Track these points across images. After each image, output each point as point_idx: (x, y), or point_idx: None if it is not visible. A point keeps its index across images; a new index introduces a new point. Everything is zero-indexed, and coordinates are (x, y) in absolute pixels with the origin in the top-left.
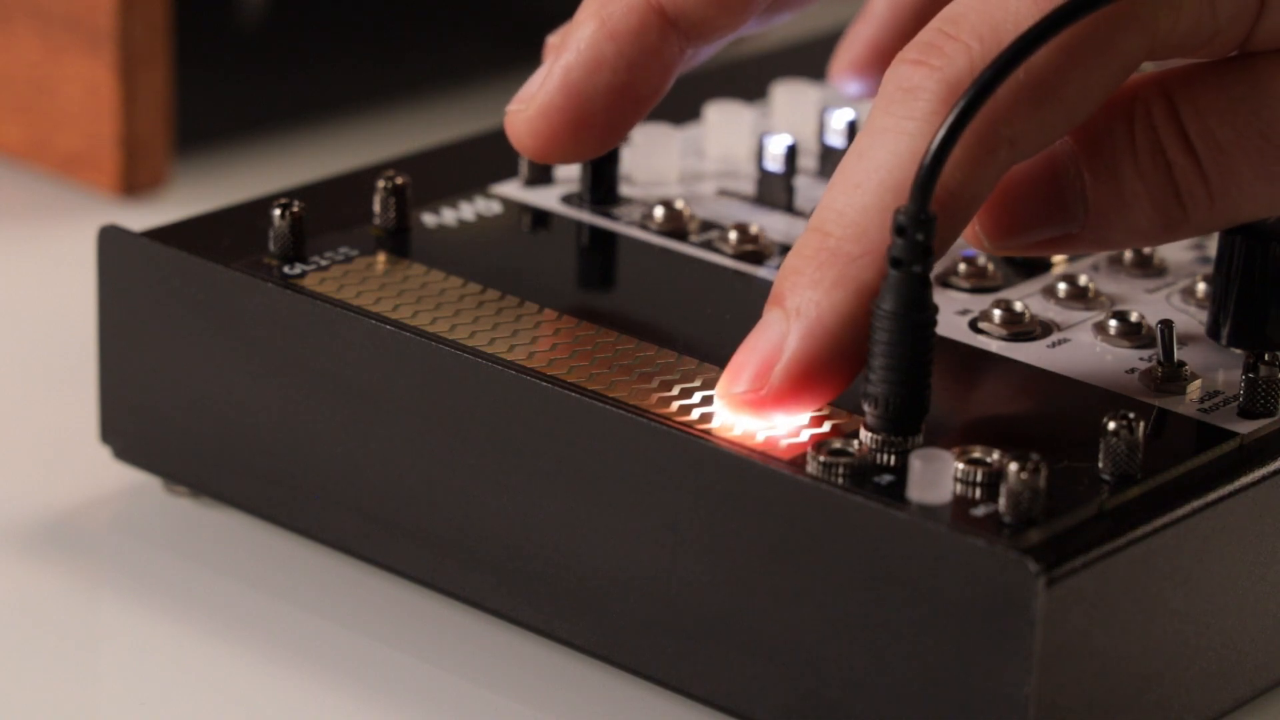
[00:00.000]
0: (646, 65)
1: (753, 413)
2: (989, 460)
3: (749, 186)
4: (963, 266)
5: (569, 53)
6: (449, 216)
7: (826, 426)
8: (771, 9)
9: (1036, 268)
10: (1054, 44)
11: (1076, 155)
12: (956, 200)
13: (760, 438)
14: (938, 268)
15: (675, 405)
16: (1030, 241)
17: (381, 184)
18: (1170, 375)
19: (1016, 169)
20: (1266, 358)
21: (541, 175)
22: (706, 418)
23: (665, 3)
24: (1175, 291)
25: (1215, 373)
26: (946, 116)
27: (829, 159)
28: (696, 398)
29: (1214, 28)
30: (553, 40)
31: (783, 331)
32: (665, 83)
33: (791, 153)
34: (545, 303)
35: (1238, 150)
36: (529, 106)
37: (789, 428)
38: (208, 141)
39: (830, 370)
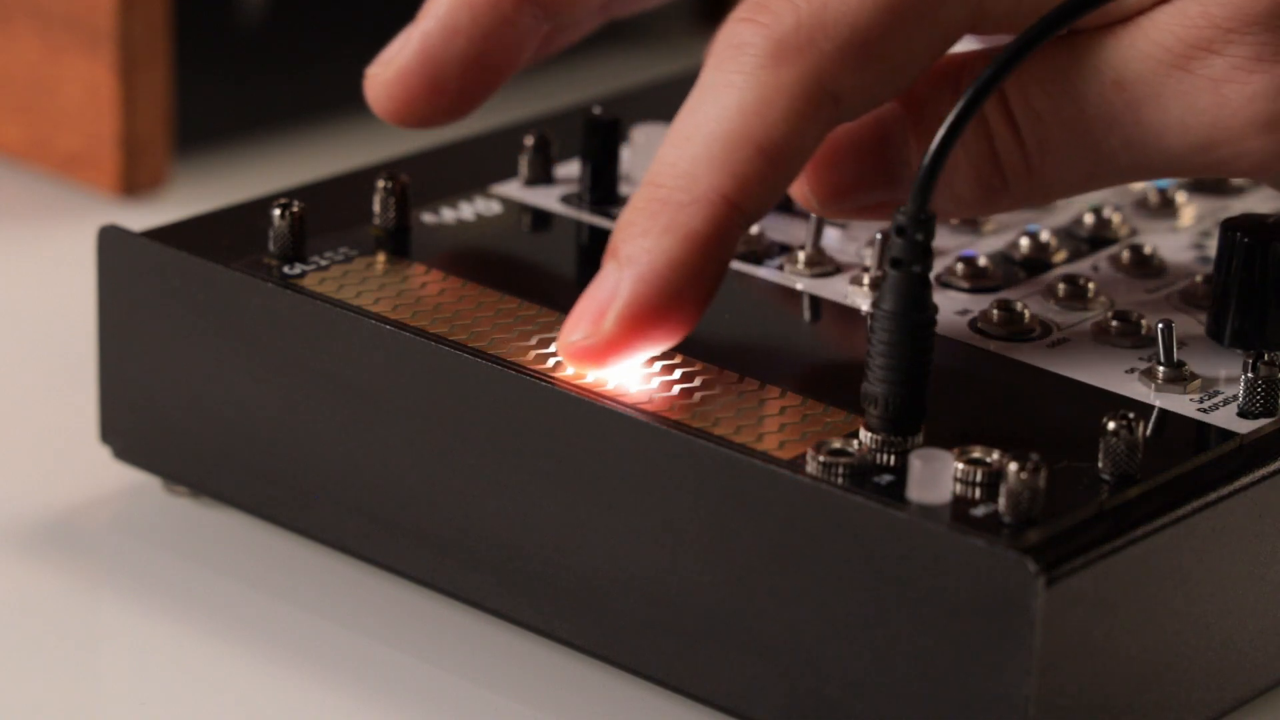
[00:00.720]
0: (501, 35)
1: (590, 361)
2: (989, 460)
3: None
4: (962, 267)
5: (427, 20)
6: (449, 216)
7: (690, 379)
8: None
9: (1036, 268)
10: (881, 6)
11: (904, 122)
12: (781, 152)
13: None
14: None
15: (675, 405)
16: (858, 205)
17: (381, 184)
18: (1170, 375)
19: (845, 133)
20: (1266, 358)
21: (541, 175)
22: (706, 417)
23: None
24: (1175, 291)
25: (1215, 373)
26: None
27: None
28: (696, 398)
29: (1036, 6)
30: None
31: (616, 280)
32: (521, 55)
33: None
34: (545, 303)
35: (1054, 121)
36: (387, 70)
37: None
38: (208, 141)
39: (663, 315)
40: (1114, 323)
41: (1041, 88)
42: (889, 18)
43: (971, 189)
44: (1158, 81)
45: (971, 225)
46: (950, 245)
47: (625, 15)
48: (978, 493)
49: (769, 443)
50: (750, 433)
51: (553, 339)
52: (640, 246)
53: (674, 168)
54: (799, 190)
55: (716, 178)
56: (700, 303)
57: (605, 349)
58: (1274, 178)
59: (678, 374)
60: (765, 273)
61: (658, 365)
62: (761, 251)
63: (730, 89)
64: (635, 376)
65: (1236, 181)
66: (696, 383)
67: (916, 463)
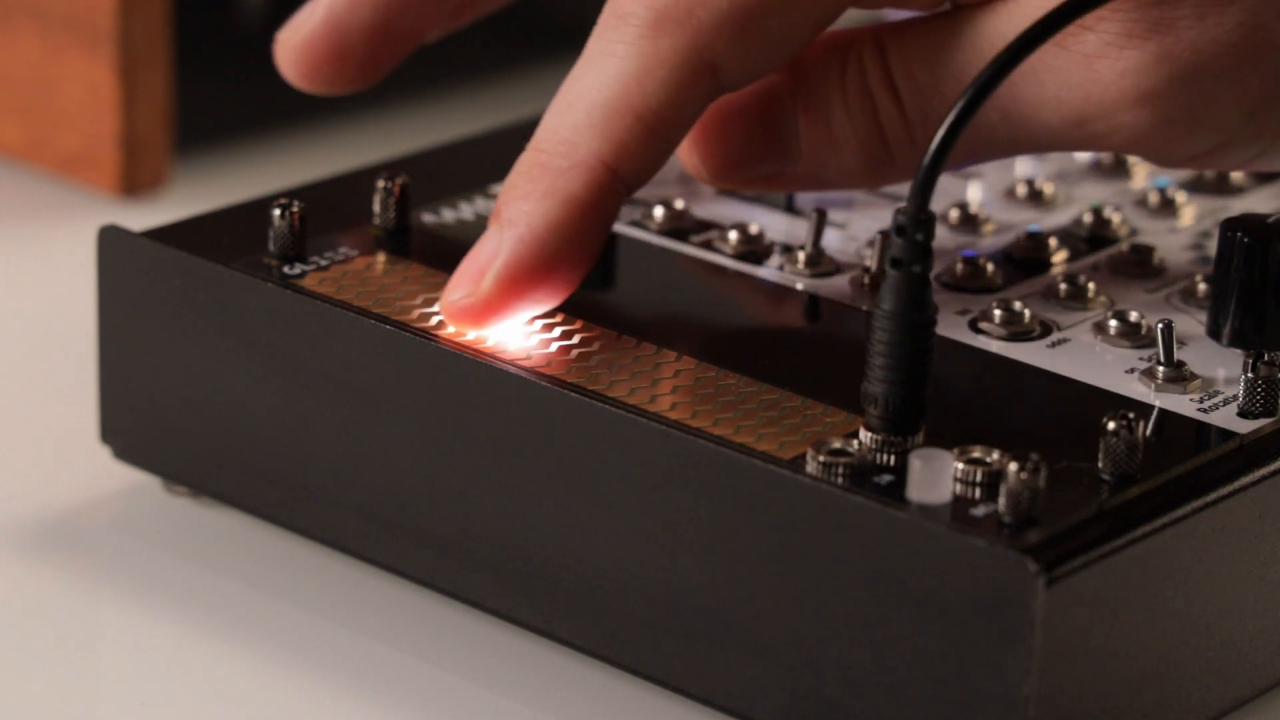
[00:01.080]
0: (403, 6)
1: (469, 320)
2: (989, 460)
3: None
4: (962, 267)
5: None
6: (449, 216)
7: (690, 380)
8: None
9: (1036, 268)
10: None
11: (793, 94)
12: (660, 120)
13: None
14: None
15: (675, 405)
16: (748, 176)
17: (381, 184)
18: (1170, 375)
19: (733, 104)
20: (1266, 358)
21: None
22: (707, 417)
23: None
24: (1175, 291)
25: (1215, 373)
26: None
27: None
28: (696, 397)
29: None
30: None
31: (497, 242)
32: (423, 26)
33: None
34: None
35: (936, 94)
36: (295, 35)
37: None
38: (208, 141)
39: (540, 276)
40: (1114, 323)
41: (924, 62)
42: None
43: (859, 162)
44: (1033, 57)
45: (971, 225)
46: (950, 245)
47: None
48: (978, 493)
49: (769, 443)
50: (750, 433)
51: (553, 338)
52: (520, 210)
53: (555, 134)
54: (689, 161)
55: (596, 144)
56: (579, 265)
57: (484, 309)
58: (1153, 154)
59: (677, 374)
60: (765, 273)
61: (658, 365)
62: (761, 251)
63: (611, 58)
64: (637, 376)
65: (1236, 181)
66: (696, 382)
67: (916, 463)
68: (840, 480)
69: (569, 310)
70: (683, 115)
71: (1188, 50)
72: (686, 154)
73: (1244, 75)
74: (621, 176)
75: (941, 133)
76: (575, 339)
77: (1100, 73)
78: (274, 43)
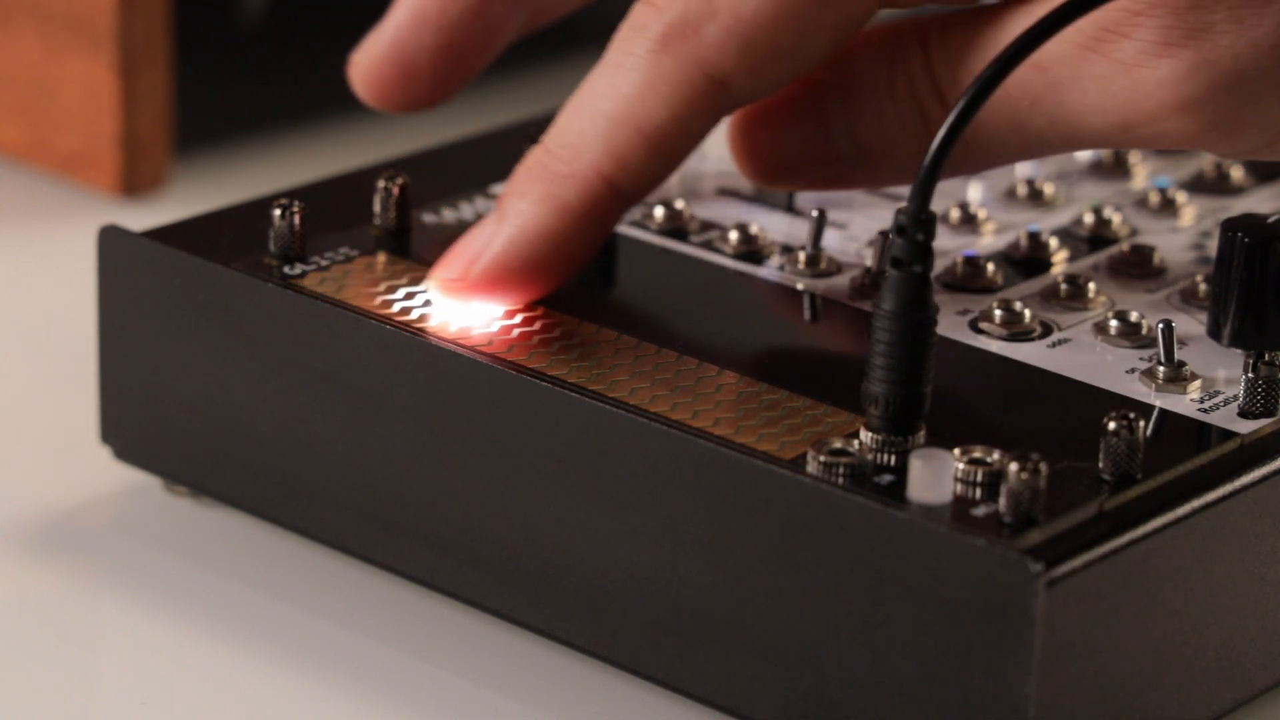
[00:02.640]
0: (469, 26)
1: (454, 297)
2: (989, 460)
3: (749, 186)
4: (962, 267)
5: (399, 10)
6: (449, 216)
7: (690, 380)
8: None
9: (1036, 268)
10: None
11: (841, 99)
12: (664, 136)
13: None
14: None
15: (675, 405)
16: (801, 179)
17: (381, 184)
18: (1170, 375)
19: (781, 108)
20: (1266, 358)
21: None
22: (707, 417)
23: None
24: (1175, 291)
25: (1215, 373)
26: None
27: None
28: (697, 397)
29: None
30: None
31: (492, 233)
32: (491, 44)
33: None
34: (544, 303)
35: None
36: (365, 58)
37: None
38: (208, 141)
39: (525, 275)
40: (1114, 323)
41: (968, 68)
42: (777, 6)
43: (913, 164)
44: (1074, 64)
45: (971, 225)
46: (950, 245)
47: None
48: (978, 493)
49: (769, 443)
50: (750, 433)
51: (553, 338)
52: (517, 207)
53: (562, 135)
54: (741, 166)
55: (597, 155)
56: (563, 272)
57: (468, 292)
58: (1208, 150)
59: (678, 374)
60: (765, 273)
61: (659, 365)
62: (761, 251)
63: (621, 70)
64: (637, 375)
65: (1236, 181)
66: (697, 382)
67: (917, 463)
68: (841, 480)
69: (569, 310)
70: (689, 132)
71: (1226, 56)
72: (737, 159)
73: None
74: (620, 190)
75: (942, 133)
76: (576, 339)
77: (1140, 81)
78: (348, 64)
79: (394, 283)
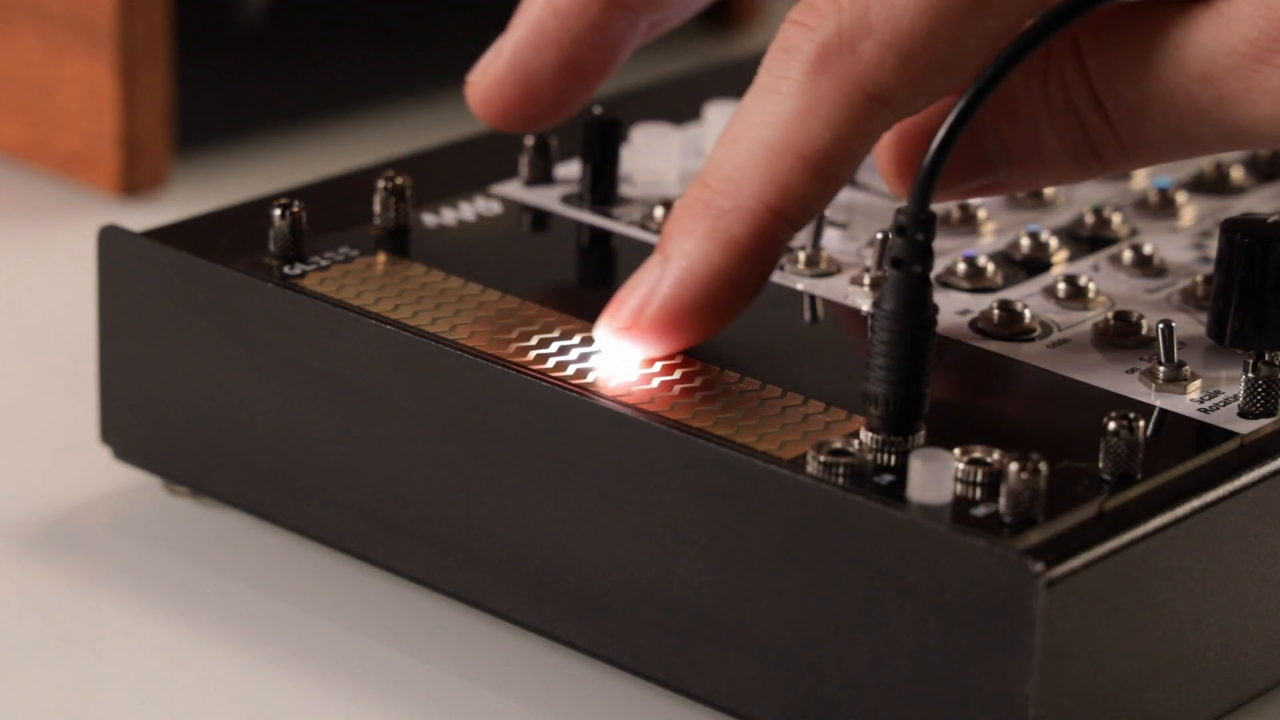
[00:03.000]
0: (591, 42)
1: (626, 343)
2: (989, 460)
3: None
4: (962, 267)
5: (518, 28)
6: (449, 216)
7: (690, 379)
8: None
9: (1036, 268)
10: (926, 4)
11: (994, 111)
12: (827, 160)
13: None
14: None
15: (675, 405)
16: (954, 192)
17: (381, 184)
18: (1170, 375)
19: (932, 124)
20: (1266, 358)
21: (541, 175)
22: (706, 417)
23: None
24: (1175, 291)
25: (1215, 373)
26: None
27: None
28: (697, 397)
29: None
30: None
31: (658, 276)
32: (614, 58)
33: None
34: (545, 303)
35: (1146, 113)
36: (484, 78)
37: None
38: (208, 141)
39: (697, 316)
40: (1114, 323)
41: (1128, 80)
42: (934, 16)
43: (1070, 171)
44: (1245, 76)
45: (971, 225)
46: (950, 245)
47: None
48: (978, 493)
49: (769, 443)
50: (750, 433)
51: (551, 339)
52: (681, 248)
53: (719, 170)
54: (892, 184)
55: (759, 186)
56: (737, 308)
57: (641, 338)
58: None
59: (678, 374)
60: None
61: (658, 365)
62: None
63: (775, 95)
64: (636, 377)
65: (1236, 181)
66: (697, 383)
67: (917, 463)
68: (841, 480)
69: (570, 311)
70: (851, 153)
71: None
72: (888, 176)
73: None
74: (786, 218)
75: (942, 135)
76: (576, 339)
77: None
78: (465, 85)
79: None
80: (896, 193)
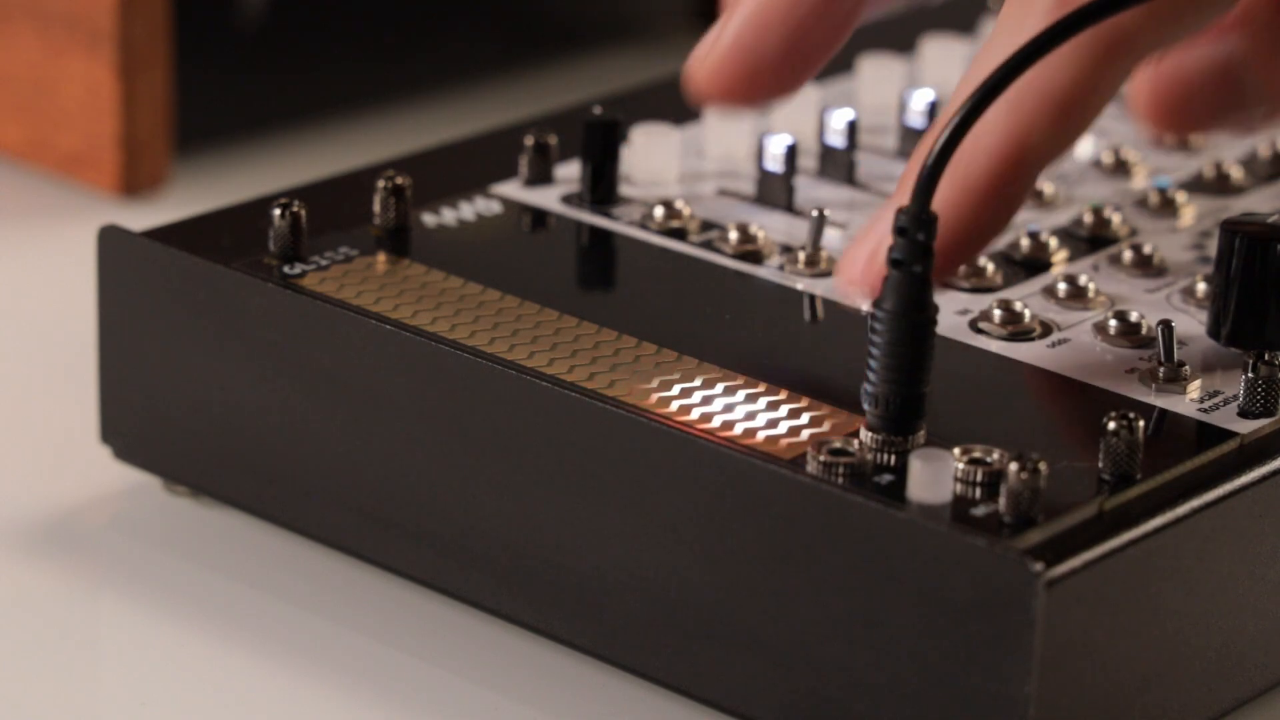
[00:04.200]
0: (815, 27)
1: (863, 296)
2: (989, 460)
3: (749, 186)
4: (963, 266)
5: (739, 16)
6: (449, 216)
7: (691, 379)
8: None
9: (1036, 268)
10: None
11: (1247, 51)
12: (1071, 101)
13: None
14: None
15: (675, 405)
16: (1209, 130)
17: (381, 184)
18: (1170, 375)
19: (1185, 66)
20: (1266, 358)
21: (541, 175)
22: (707, 417)
23: None
24: (1175, 291)
25: (1215, 373)
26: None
27: (829, 159)
28: (697, 397)
29: None
30: None
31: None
32: (838, 36)
33: (791, 153)
34: (545, 303)
35: None
36: (706, 61)
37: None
38: (208, 141)
39: (945, 265)
40: (1114, 323)
41: None
42: None
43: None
44: None
45: None
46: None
47: None
48: (978, 493)
49: (769, 443)
50: (750, 433)
51: (552, 339)
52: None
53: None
54: (1146, 125)
55: (1003, 128)
56: (976, 256)
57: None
58: None
59: (679, 374)
60: (765, 273)
61: (659, 365)
62: (762, 251)
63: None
64: (637, 375)
65: (1236, 181)
66: (697, 382)
67: (916, 463)
68: (840, 480)
69: (570, 310)
70: (1097, 93)
71: None
72: (1143, 118)
73: None
74: (1029, 160)
75: (944, 135)
76: (576, 339)
77: None
78: (685, 70)
79: (408, 288)
80: (1145, 123)
